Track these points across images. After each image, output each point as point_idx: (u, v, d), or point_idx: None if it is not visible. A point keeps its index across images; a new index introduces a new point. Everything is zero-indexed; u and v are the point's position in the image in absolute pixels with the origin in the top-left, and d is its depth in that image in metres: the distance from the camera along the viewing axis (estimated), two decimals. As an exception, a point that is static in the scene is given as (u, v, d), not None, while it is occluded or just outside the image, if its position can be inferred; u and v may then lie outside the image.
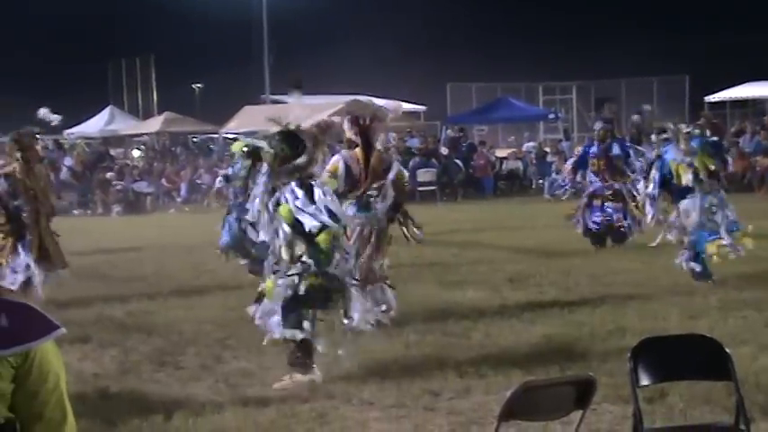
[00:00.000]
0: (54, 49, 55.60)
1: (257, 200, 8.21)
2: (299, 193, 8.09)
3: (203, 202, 31.24)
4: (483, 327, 10.13)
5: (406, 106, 45.10)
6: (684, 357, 5.13)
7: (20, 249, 12.08)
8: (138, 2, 53.70)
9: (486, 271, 14.12)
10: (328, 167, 9.88)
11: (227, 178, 10.52)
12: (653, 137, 14.34)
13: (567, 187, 17.31)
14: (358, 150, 10.36)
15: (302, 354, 8.22)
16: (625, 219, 15.97)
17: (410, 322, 10.39)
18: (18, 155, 12.36)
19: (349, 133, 10.43)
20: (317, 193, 8.18)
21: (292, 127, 8.35)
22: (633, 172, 15.94)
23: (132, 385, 8.42)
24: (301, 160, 8.21)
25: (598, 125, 17.17)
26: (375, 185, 10.38)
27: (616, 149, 16.38)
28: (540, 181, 32.63)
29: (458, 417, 7.16)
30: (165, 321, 11.17)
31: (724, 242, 12.18)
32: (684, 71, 44.58)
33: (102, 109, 46.93)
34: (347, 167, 10.25)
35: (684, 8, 53.75)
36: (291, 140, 8.26)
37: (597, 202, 16.15)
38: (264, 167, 8.22)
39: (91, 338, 10.21)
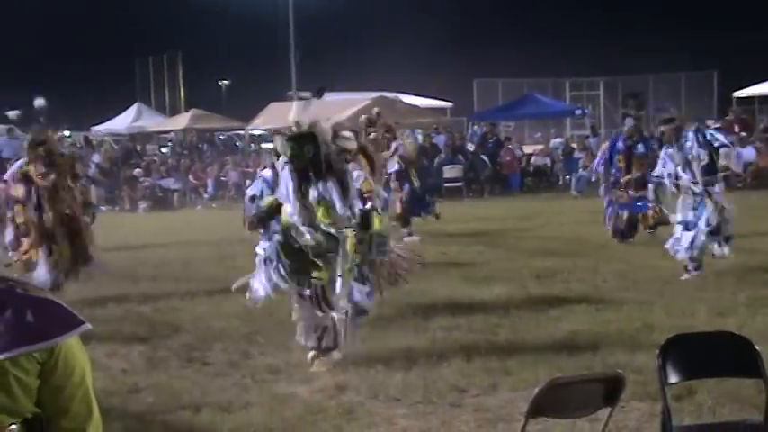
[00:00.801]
0: (82, 46, 55.83)
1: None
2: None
3: (229, 199, 31.30)
4: (509, 323, 10.12)
5: (433, 102, 45.19)
6: (713, 354, 5.09)
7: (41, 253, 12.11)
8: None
9: (512, 267, 14.09)
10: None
11: (252, 199, 10.48)
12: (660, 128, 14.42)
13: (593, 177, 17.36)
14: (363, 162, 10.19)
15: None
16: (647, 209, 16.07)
17: (436, 318, 10.40)
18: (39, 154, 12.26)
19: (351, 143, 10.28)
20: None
21: (303, 128, 8.46)
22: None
23: (160, 381, 8.45)
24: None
25: (629, 122, 17.16)
26: None
27: (641, 148, 16.38)
28: (567, 177, 32.54)
29: (484, 413, 7.15)
30: (193, 317, 11.21)
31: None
32: (713, 67, 44.33)
33: (130, 106, 47.11)
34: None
35: (712, 3, 53.44)
36: (297, 142, 8.43)
37: (621, 198, 16.18)
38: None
39: (119, 334, 10.27)
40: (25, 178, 12.23)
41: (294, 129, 8.49)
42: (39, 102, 13.88)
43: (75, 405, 2.72)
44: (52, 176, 12.15)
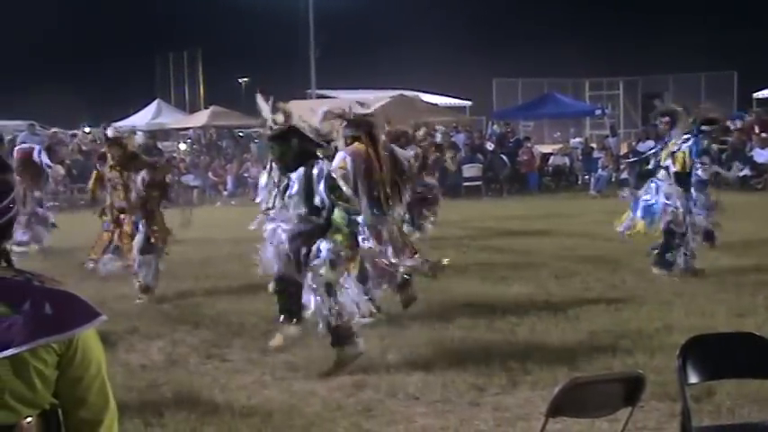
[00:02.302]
0: (103, 43, 56.02)
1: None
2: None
3: (249, 196, 31.34)
4: (528, 323, 10.11)
5: (452, 101, 45.17)
6: (733, 355, 5.09)
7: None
8: (185, -4, 54.02)
9: (531, 267, 14.09)
10: (338, 164, 9.72)
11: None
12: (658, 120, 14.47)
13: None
14: (359, 145, 10.06)
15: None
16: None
17: (455, 318, 10.40)
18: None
19: (343, 130, 10.24)
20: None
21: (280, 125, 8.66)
22: None
23: (179, 377, 8.48)
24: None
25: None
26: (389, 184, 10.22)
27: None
28: (587, 177, 32.48)
29: (503, 412, 7.16)
30: (212, 314, 11.24)
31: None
32: (732, 67, 44.18)
33: (150, 103, 47.23)
34: (355, 164, 9.90)
35: (733, 3, 53.23)
36: (279, 140, 8.67)
37: None
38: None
39: (138, 330, 10.31)
40: None
41: (272, 126, 8.62)
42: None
43: (93, 395, 2.75)
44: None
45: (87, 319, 2.71)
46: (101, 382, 2.77)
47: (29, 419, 2.65)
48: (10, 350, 2.58)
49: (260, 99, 9.05)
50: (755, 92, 42.55)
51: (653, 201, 13.16)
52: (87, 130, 37.60)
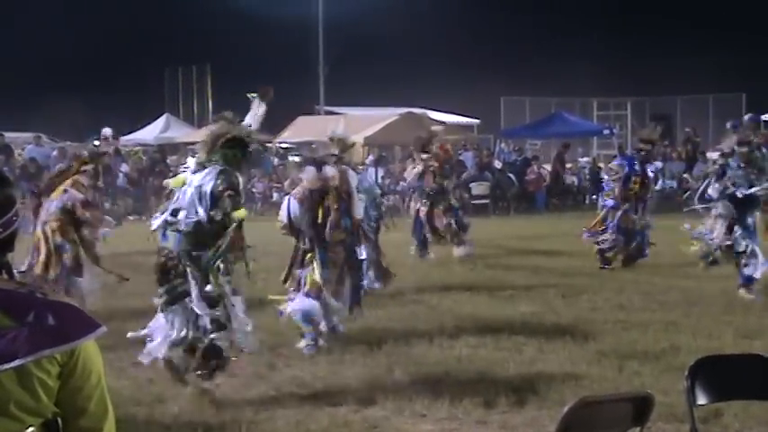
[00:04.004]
0: (112, 57, 56.15)
1: None
2: None
3: (257, 210, 31.37)
4: (536, 342, 10.11)
5: (460, 119, 45.23)
6: (741, 377, 5.10)
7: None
8: (195, 11, 54.09)
9: (538, 286, 14.08)
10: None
11: None
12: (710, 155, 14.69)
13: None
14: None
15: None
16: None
17: (462, 336, 10.41)
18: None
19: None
20: None
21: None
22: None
23: (186, 391, 8.47)
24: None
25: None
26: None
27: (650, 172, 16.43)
28: (594, 196, 32.44)
29: (511, 431, 7.17)
30: (219, 328, 11.22)
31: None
32: (741, 89, 44.19)
33: (159, 116, 47.31)
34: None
35: (741, 25, 53.25)
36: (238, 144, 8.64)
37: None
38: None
39: (146, 344, 10.30)
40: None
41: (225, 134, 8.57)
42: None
43: (93, 405, 2.80)
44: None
45: (89, 330, 2.76)
46: (101, 391, 2.82)
47: (31, 429, 2.70)
48: (15, 361, 2.62)
49: (258, 105, 9.08)
50: (764, 114, 42.50)
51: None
52: (97, 143, 37.62)
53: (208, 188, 8.10)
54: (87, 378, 2.77)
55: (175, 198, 8.36)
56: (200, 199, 8.12)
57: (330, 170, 9.97)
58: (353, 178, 10.23)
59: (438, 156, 17.54)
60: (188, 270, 8.20)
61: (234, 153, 8.51)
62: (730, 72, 47.19)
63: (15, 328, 2.64)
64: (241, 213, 8.27)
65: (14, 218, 2.80)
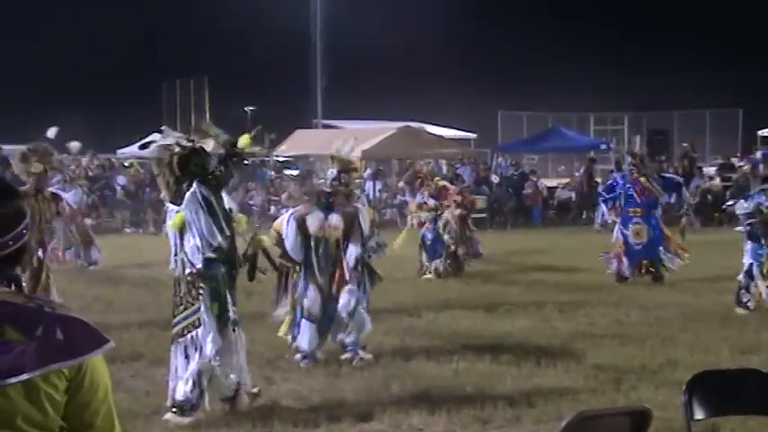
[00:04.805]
0: (109, 69, 56.21)
1: None
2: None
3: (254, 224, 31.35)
4: (533, 356, 10.10)
5: (458, 133, 45.31)
6: (738, 392, 5.11)
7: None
8: (193, 24, 54.22)
9: (535, 300, 14.07)
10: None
11: None
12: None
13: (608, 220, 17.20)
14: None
15: None
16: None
17: (459, 350, 10.41)
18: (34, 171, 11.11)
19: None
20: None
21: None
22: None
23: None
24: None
25: (629, 159, 17.09)
26: None
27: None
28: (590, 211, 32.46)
29: (507, 445, 7.17)
30: (216, 342, 11.21)
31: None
32: (737, 104, 44.29)
33: (156, 129, 47.31)
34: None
35: (738, 41, 53.42)
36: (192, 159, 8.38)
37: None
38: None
39: (144, 356, 10.30)
40: None
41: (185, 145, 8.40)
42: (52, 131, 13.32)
43: (100, 420, 2.80)
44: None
45: (97, 345, 2.76)
46: (108, 406, 2.82)
47: None
48: (23, 375, 2.62)
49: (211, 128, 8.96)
50: (760, 129, 42.60)
51: None
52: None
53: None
54: (95, 393, 2.77)
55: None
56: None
57: (336, 220, 9.92)
58: (365, 218, 10.17)
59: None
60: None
61: (195, 165, 8.31)
62: (727, 87, 47.37)
63: (23, 342, 2.64)
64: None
65: (24, 231, 2.80)
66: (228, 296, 8.15)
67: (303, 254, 9.95)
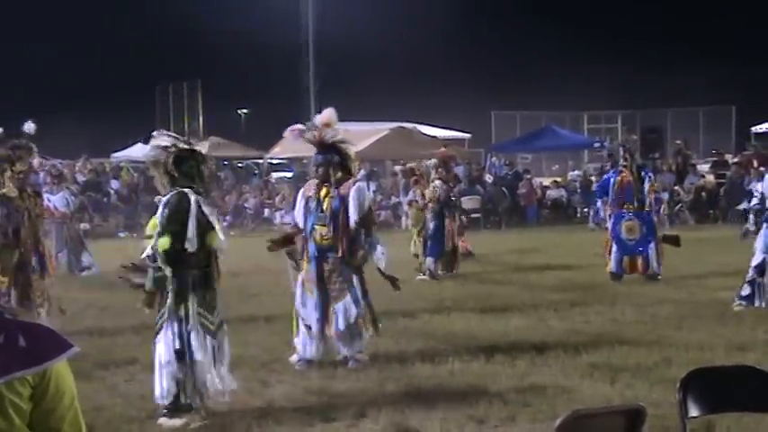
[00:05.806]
0: (102, 73, 56.18)
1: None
2: None
3: (248, 227, 31.35)
4: (528, 355, 10.10)
5: (451, 133, 45.30)
6: (733, 389, 5.09)
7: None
8: (186, 27, 54.16)
9: (530, 299, 14.07)
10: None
11: None
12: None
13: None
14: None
15: None
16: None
17: (454, 350, 10.40)
18: (12, 170, 11.11)
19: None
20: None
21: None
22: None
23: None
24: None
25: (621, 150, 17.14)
26: None
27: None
28: (585, 210, 32.48)
29: (503, 445, 7.16)
30: (211, 345, 11.19)
31: None
32: (731, 102, 44.32)
33: (149, 133, 47.26)
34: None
35: (731, 38, 53.48)
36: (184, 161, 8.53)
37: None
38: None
39: (138, 360, 10.27)
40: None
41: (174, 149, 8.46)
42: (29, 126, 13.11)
43: (66, 426, 2.78)
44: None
45: (61, 350, 2.73)
46: (74, 412, 2.80)
47: None
48: None
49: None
50: (754, 126, 42.64)
51: None
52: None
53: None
54: (60, 399, 2.75)
55: None
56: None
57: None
58: (358, 197, 10.20)
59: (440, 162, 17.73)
60: None
61: (190, 166, 8.48)
62: (721, 85, 47.42)
63: None
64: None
65: None
66: (194, 302, 8.11)
67: (304, 218, 10.11)
